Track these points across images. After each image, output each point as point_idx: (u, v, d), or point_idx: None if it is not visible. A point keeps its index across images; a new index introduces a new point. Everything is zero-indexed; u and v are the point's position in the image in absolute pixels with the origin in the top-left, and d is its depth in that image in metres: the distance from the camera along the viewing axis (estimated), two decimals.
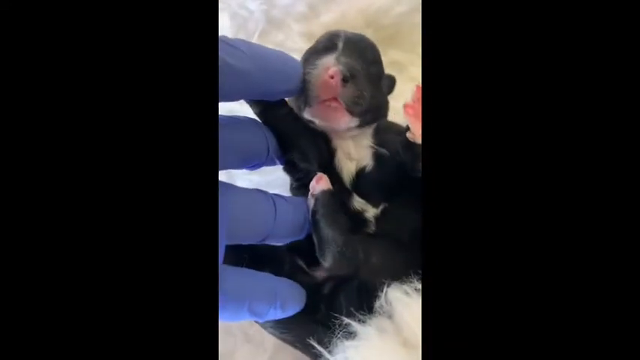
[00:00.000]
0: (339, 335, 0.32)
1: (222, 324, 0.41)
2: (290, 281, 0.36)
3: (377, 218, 0.38)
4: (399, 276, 0.33)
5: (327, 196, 0.37)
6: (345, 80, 0.34)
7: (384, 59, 0.54)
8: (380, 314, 0.32)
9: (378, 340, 0.29)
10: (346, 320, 0.32)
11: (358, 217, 0.38)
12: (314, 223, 0.36)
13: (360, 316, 0.33)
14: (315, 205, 0.37)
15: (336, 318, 0.33)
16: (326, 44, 0.38)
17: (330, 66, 0.35)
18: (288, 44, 0.52)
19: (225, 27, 0.52)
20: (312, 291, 0.37)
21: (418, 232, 0.33)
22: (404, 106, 0.34)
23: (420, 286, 0.31)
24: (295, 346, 0.37)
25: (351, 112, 0.36)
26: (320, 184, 0.37)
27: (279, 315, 0.34)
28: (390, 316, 0.31)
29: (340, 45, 0.38)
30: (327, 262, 0.35)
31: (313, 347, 0.34)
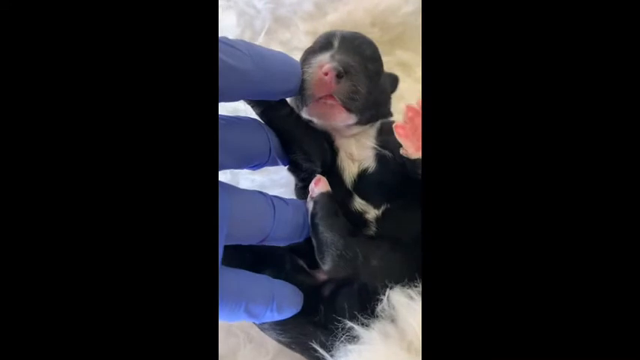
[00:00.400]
0: (341, 339, 0.32)
1: (226, 325, 0.41)
2: (287, 284, 0.36)
3: (378, 220, 0.38)
4: (401, 279, 0.33)
5: (326, 198, 0.37)
6: (339, 76, 0.34)
7: (391, 59, 0.54)
8: (383, 318, 0.31)
9: (381, 344, 0.29)
10: (349, 324, 0.32)
11: (359, 219, 0.38)
12: (313, 226, 0.36)
13: (363, 320, 0.32)
14: (313, 208, 0.37)
15: (336, 320, 0.33)
16: (322, 44, 0.39)
17: (325, 63, 0.35)
18: (294, 43, 0.51)
19: (232, 25, 0.51)
20: (312, 292, 0.36)
21: (420, 234, 0.33)
22: (394, 126, 0.34)
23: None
24: (292, 348, 0.37)
25: (348, 109, 0.36)
26: (319, 186, 0.37)
27: (276, 317, 0.34)
28: (393, 320, 0.31)
29: (336, 44, 0.38)
30: (326, 265, 0.35)
31: (313, 350, 0.34)
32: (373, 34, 0.53)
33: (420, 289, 0.31)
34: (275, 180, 0.48)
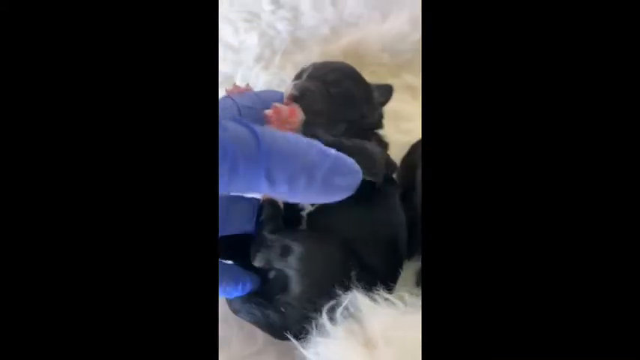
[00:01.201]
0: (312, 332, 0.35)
1: (222, 316, 0.45)
2: (250, 272, 0.42)
3: (310, 215, 0.43)
4: (329, 272, 0.38)
5: (266, 204, 0.42)
6: (295, 100, 0.41)
7: (398, 82, 0.57)
8: (349, 317, 0.34)
9: (344, 340, 0.32)
10: (320, 320, 0.35)
11: (296, 215, 0.43)
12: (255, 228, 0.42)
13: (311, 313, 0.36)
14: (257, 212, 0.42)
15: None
16: (296, 75, 0.46)
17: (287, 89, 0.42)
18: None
19: (254, 44, 0.56)
20: (263, 277, 0.41)
21: (350, 229, 0.39)
22: (264, 114, 0.39)
23: (387, 295, 0.34)
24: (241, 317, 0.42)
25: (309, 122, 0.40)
26: (263, 197, 0.43)
27: (240, 294, 0.40)
28: (357, 320, 0.34)
29: (304, 75, 0.44)
30: (255, 261, 0.40)
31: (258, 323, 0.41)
32: (383, 59, 0.56)
33: (382, 294, 0.34)
34: None
